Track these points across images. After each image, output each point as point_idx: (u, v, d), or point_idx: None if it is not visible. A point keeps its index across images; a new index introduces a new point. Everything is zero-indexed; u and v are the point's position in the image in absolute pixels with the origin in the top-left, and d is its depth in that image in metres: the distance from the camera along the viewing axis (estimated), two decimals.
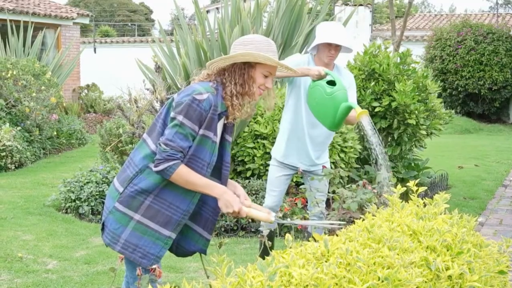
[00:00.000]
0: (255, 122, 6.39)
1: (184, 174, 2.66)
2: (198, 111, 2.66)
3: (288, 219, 2.67)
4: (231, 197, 2.71)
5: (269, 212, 2.76)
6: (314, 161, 4.50)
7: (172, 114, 2.70)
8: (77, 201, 6.49)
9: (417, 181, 2.99)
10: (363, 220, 2.56)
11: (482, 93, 17.62)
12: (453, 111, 8.58)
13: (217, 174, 2.88)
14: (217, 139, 2.79)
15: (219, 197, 2.71)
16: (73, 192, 6.56)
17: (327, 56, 4.30)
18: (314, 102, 3.99)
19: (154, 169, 2.67)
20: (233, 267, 1.92)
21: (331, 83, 3.89)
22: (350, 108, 3.79)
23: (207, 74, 2.83)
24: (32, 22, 14.12)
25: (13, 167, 9.46)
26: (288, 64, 4.53)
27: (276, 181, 4.54)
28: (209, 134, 2.72)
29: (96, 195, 6.45)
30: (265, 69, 2.79)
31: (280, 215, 3.95)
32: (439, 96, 17.80)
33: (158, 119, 2.80)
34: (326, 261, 2.09)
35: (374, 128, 3.76)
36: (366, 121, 3.77)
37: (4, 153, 9.25)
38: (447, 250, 2.32)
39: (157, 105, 6.42)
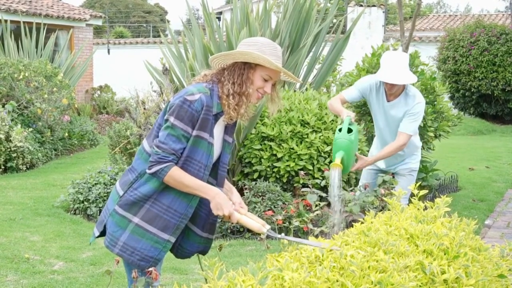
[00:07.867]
0: (262, 124, 6.38)
1: (177, 176, 2.67)
2: (190, 112, 2.65)
3: (282, 234, 2.65)
4: (222, 200, 2.70)
5: (264, 224, 2.74)
6: (384, 163, 4.99)
7: (165, 117, 2.72)
8: (85, 202, 6.54)
9: (418, 184, 2.98)
10: (362, 223, 2.55)
11: (495, 94, 17.47)
12: (462, 113, 8.53)
13: (213, 174, 2.87)
14: (214, 141, 2.78)
15: (211, 199, 2.71)
16: (81, 194, 6.61)
17: (387, 88, 4.68)
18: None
19: (148, 171, 2.68)
20: (224, 270, 1.92)
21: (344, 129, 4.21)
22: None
23: (204, 75, 2.84)
24: (45, 24, 14.23)
25: (24, 168, 9.54)
26: (356, 86, 4.82)
27: (365, 172, 5.13)
28: (203, 135, 2.70)
29: (104, 196, 6.48)
30: (265, 72, 2.76)
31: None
32: (452, 97, 17.73)
33: (156, 123, 2.83)
34: (320, 265, 2.09)
35: (340, 182, 3.96)
36: (334, 173, 3.95)
37: (15, 154, 9.34)
38: (444, 254, 2.30)
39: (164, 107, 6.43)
